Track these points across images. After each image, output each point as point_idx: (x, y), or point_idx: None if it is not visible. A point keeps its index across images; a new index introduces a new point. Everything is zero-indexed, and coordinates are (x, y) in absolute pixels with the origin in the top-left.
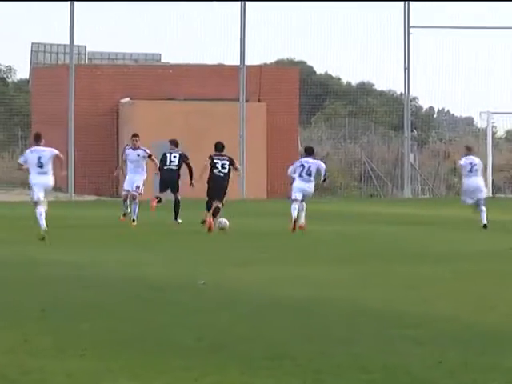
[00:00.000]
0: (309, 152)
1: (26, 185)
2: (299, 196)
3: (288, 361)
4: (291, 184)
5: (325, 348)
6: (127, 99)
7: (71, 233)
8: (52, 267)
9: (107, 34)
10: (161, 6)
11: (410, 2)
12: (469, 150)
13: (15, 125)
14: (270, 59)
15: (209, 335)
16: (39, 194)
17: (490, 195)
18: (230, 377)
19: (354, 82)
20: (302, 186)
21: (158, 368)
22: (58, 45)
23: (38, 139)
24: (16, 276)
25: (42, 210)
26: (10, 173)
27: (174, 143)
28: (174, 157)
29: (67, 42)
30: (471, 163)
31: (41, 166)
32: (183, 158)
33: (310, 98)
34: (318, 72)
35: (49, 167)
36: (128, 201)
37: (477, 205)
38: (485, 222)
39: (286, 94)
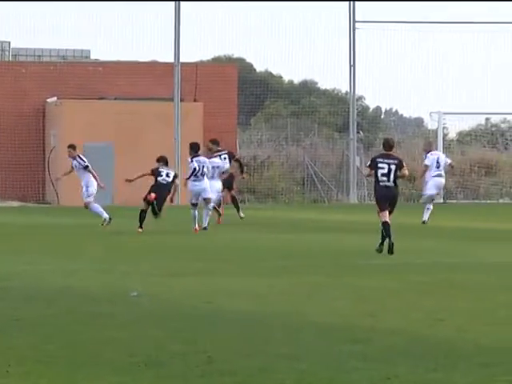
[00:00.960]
0: (195, 149)
1: None
2: (197, 199)
3: (228, 377)
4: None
5: (267, 364)
6: (54, 98)
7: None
8: None
9: (33, 30)
10: (91, 1)
11: None
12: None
13: None
14: (206, 56)
15: (142, 350)
16: None
17: (441, 201)
18: None
19: (296, 81)
20: (197, 188)
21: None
22: None
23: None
24: None
25: None
26: None
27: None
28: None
29: None
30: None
31: None
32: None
33: (249, 98)
34: (258, 70)
35: None
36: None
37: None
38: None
39: (223, 93)
